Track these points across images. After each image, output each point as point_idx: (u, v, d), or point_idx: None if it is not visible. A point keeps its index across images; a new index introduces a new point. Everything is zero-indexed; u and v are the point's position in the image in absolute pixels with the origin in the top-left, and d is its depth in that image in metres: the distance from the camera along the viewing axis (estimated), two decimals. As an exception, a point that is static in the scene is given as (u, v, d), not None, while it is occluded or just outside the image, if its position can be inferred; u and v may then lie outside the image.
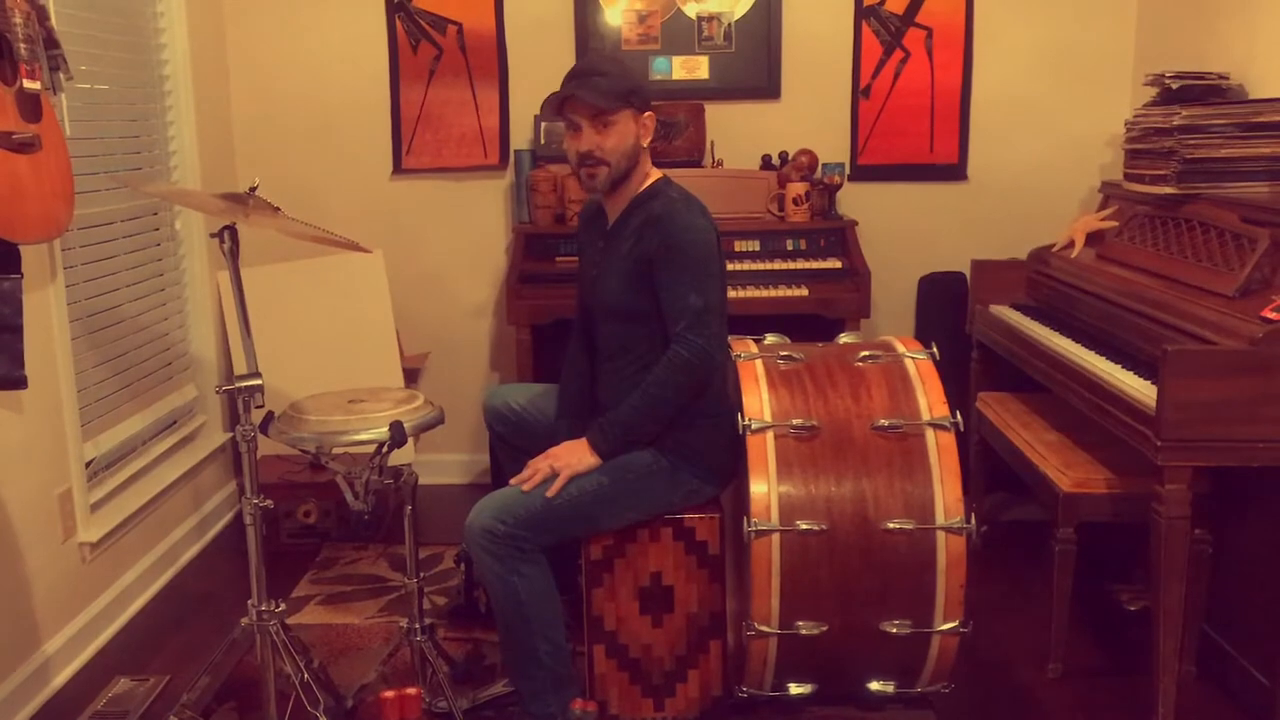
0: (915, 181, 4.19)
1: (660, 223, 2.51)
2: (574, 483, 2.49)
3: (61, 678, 2.90)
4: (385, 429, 2.46)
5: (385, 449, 2.49)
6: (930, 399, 2.53)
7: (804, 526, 2.40)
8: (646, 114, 2.58)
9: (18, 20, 2.33)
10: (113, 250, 3.32)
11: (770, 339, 2.81)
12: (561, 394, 2.86)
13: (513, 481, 2.53)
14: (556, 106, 2.55)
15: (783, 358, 2.66)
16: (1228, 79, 3.24)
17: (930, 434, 2.48)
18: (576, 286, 2.88)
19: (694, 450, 2.58)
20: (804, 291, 3.74)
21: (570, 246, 3.81)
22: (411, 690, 2.61)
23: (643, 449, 2.56)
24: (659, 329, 2.53)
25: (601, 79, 2.51)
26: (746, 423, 2.49)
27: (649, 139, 2.60)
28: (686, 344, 2.47)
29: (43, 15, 2.49)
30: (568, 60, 4.01)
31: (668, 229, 2.50)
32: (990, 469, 3.56)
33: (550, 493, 2.46)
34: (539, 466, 2.50)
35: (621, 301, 2.59)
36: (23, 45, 2.33)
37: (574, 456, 2.51)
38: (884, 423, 2.48)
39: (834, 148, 4.12)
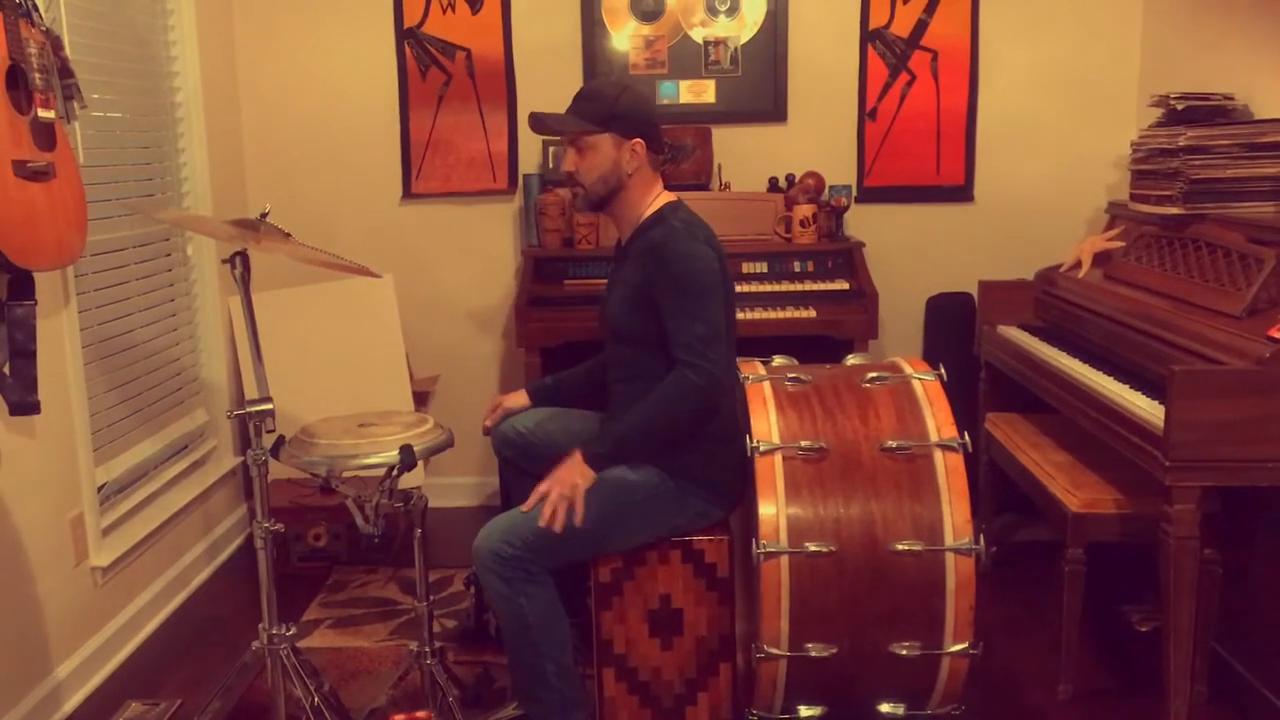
0: (922, 203, 4.20)
1: (658, 252, 2.51)
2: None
3: (73, 703, 2.91)
4: (395, 452, 2.47)
5: (395, 472, 2.49)
6: (938, 420, 2.53)
7: (813, 548, 2.40)
8: (634, 140, 2.55)
9: (33, 50, 2.36)
10: (125, 276, 3.35)
11: (778, 360, 2.81)
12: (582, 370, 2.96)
13: (524, 509, 2.49)
14: (532, 125, 2.61)
15: (790, 379, 2.66)
16: (1232, 100, 3.25)
17: (938, 455, 2.48)
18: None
19: (701, 472, 2.58)
20: (811, 313, 3.75)
21: (578, 269, 3.88)
22: (422, 714, 2.61)
23: (650, 470, 2.55)
24: (664, 353, 2.53)
25: (587, 103, 2.56)
26: (755, 445, 2.49)
27: (635, 165, 2.57)
28: (695, 369, 2.46)
29: (57, 45, 2.51)
30: (575, 85, 3.99)
31: (666, 259, 2.50)
32: (999, 490, 3.56)
33: (578, 521, 2.43)
34: (551, 498, 2.45)
35: (623, 324, 2.61)
36: (38, 75, 2.36)
37: (575, 473, 2.48)
38: (892, 444, 2.48)
39: (841, 170, 4.14)
